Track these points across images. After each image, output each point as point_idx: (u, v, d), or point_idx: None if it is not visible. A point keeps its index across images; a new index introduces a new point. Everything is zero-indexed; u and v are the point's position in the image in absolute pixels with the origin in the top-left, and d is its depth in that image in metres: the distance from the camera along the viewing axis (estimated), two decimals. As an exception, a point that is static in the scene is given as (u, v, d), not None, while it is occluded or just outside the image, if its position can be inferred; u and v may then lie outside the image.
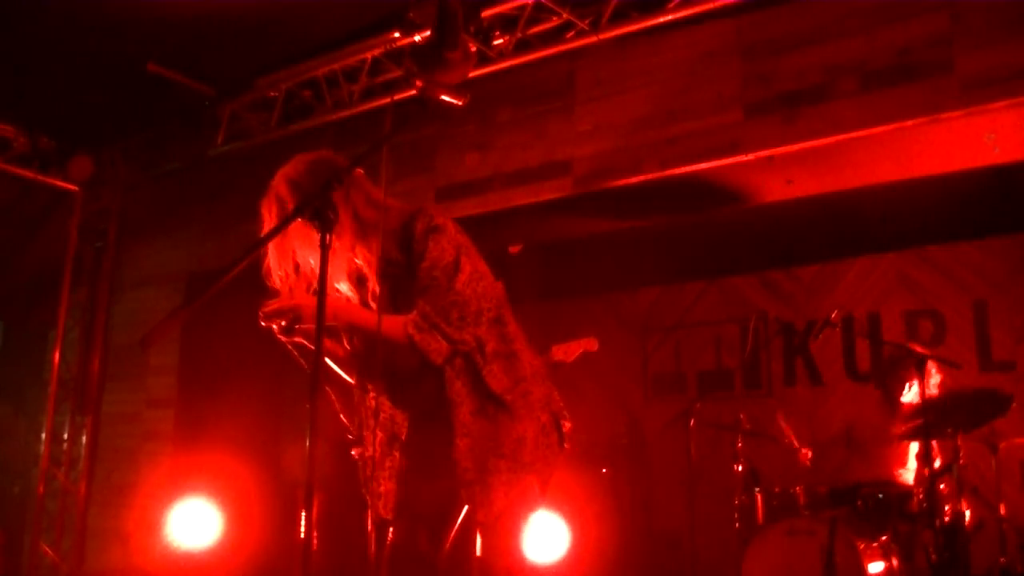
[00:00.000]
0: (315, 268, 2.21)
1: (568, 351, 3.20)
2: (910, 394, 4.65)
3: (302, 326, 2.23)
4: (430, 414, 2.33)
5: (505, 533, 2.26)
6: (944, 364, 4.38)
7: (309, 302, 2.21)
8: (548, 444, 2.35)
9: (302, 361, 2.34)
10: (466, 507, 2.25)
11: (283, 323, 2.23)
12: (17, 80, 5.64)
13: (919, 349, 4.64)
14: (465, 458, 2.23)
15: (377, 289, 2.32)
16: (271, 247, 2.29)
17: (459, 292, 2.24)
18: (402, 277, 2.31)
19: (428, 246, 2.25)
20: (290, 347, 2.33)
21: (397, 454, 2.41)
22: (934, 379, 4.52)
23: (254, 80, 5.70)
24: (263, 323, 2.25)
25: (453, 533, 2.31)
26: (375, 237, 2.30)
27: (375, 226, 2.30)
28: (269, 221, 2.30)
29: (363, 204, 2.32)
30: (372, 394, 2.43)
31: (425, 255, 2.25)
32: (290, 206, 2.24)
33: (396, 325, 2.23)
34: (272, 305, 2.24)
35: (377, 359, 2.31)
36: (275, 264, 2.32)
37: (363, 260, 2.33)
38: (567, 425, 2.43)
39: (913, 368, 4.67)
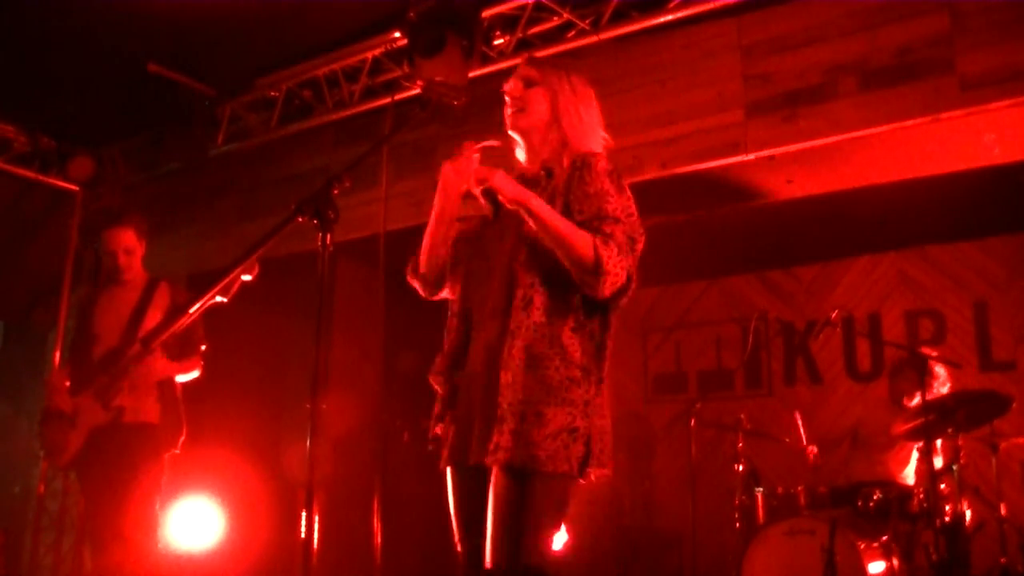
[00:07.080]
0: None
1: (228, 290, 2.66)
2: (918, 397, 4.64)
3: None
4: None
5: None
6: (947, 364, 4.38)
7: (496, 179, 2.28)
8: None
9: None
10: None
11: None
12: (17, 80, 5.64)
13: (925, 351, 4.63)
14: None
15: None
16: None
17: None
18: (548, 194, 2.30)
19: (611, 189, 2.25)
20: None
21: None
22: (941, 382, 4.51)
23: (254, 80, 5.70)
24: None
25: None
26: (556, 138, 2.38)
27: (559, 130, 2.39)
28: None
29: (569, 99, 2.44)
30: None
31: (610, 196, 2.23)
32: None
33: (580, 232, 2.16)
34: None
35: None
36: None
37: (528, 147, 2.42)
38: None
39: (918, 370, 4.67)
